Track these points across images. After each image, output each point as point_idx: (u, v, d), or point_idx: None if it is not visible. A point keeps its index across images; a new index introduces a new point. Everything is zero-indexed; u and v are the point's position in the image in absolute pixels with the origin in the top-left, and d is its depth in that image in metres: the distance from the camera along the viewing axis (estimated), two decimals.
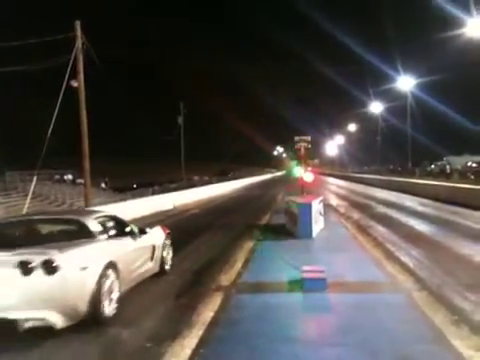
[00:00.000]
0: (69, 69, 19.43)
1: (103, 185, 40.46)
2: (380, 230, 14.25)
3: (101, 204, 19.74)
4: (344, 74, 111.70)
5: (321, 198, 15.08)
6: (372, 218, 17.31)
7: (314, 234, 12.47)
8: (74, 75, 19.98)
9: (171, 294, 7.78)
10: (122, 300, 6.63)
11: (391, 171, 65.70)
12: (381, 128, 69.75)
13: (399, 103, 55.23)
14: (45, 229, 7.13)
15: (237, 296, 7.26)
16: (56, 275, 5.27)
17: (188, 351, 5.14)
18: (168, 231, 9.74)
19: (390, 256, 10.18)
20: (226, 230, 15.50)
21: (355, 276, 8.07)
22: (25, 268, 5.18)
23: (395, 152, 75.26)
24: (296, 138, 15.47)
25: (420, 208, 20.47)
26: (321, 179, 66.02)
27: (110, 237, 6.91)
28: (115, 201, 21.79)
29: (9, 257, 5.34)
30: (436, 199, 22.99)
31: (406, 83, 52.12)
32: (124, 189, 34.65)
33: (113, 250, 6.66)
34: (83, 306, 5.62)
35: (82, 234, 6.46)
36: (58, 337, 5.50)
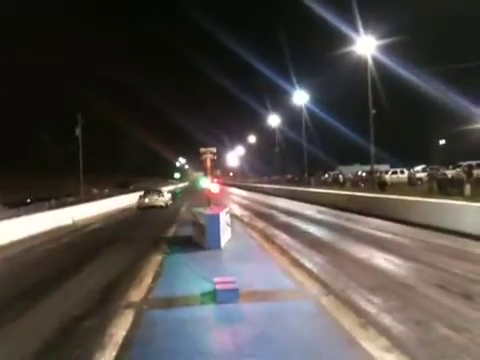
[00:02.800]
0: None
1: None
2: (284, 238, 14.73)
3: None
4: (243, 87, 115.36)
5: (227, 209, 15.26)
6: (276, 227, 17.85)
7: (222, 245, 12.57)
8: None
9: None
10: None
11: (289, 181, 68.59)
12: (279, 140, 72.68)
13: (296, 116, 58.07)
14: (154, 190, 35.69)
15: (149, 312, 7.07)
16: (164, 195, 34.93)
17: None
18: None
19: (296, 263, 10.57)
20: (132, 244, 15.04)
21: (265, 285, 8.26)
22: (160, 192, 35.22)
23: (292, 163, 78.94)
24: (202, 149, 15.50)
25: (319, 216, 21.54)
26: (224, 190, 66.88)
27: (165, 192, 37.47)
28: (9, 217, 20.06)
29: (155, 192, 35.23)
30: (333, 207, 24.33)
31: (300, 98, 55.09)
32: (17, 204, 32.04)
33: (167, 192, 40.30)
34: (169, 202, 34.68)
35: (161, 191, 36.14)
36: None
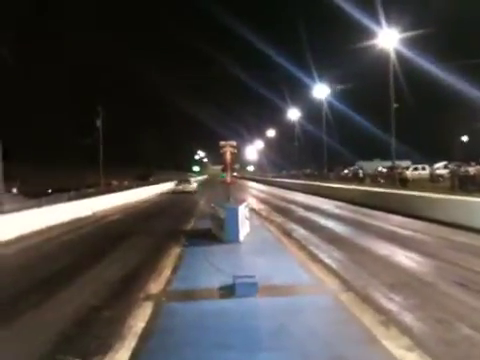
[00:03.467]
0: None
1: (14, 190, 37.77)
2: (303, 233, 14.67)
3: (13, 211, 18.39)
4: (263, 81, 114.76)
5: (246, 203, 15.26)
6: (294, 221, 17.79)
7: (241, 238, 12.57)
8: None
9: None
10: None
11: (307, 175, 68.27)
12: (298, 134, 72.29)
13: (315, 110, 57.65)
14: (185, 180, 50.71)
15: (168, 305, 7.10)
16: (192, 183, 46.91)
17: None
18: None
19: (314, 258, 10.51)
20: (150, 236, 15.13)
21: (284, 279, 8.22)
22: (189, 181, 48.33)
23: (312, 157, 78.50)
24: (222, 143, 15.42)
25: (337, 211, 21.40)
26: (243, 183, 66.93)
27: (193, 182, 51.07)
28: (28, 207, 20.35)
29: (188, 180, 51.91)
30: (351, 202, 24.18)
31: (322, 91, 54.56)
32: (38, 195, 32.42)
33: (195, 181, 56.40)
34: (195, 190, 44.40)
35: (190, 181, 49.97)
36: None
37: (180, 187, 44.31)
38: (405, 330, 5.74)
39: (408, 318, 6.23)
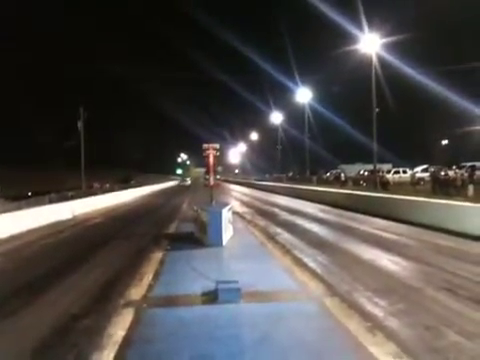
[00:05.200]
0: None
1: None
2: (286, 237, 14.55)
3: None
4: (246, 84, 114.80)
5: (230, 206, 15.07)
6: (278, 225, 17.67)
7: (224, 242, 12.39)
8: None
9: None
10: None
11: (290, 179, 68.38)
12: (281, 137, 72.43)
13: (298, 114, 57.83)
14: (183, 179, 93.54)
15: (149, 311, 6.88)
16: (188, 181, 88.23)
17: None
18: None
19: (298, 263, 10.39)
20: (132, 240, 14.86)
21: (268, 285, 8.07)
22: (186, 180, 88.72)
23: (294, 160, 78.71)
24: (205, 146, 15.27)
25: (321, 214, 21.36)
26: (226, 186, 66.74)
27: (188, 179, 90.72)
28: (9, 210, 19.86)
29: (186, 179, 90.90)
30: (334, 205, 24.19)
31: (304, 95, 54.79)
32: (18, 197, 31.81)
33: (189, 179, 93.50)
34: (190, 184, 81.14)
35: (186, 179, 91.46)
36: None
37: (182, 183, 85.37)
38: (392, 336, 5.63)
39: (394, 324, 6.13)
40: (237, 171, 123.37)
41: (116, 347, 5.52)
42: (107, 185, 59.30)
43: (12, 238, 16.31)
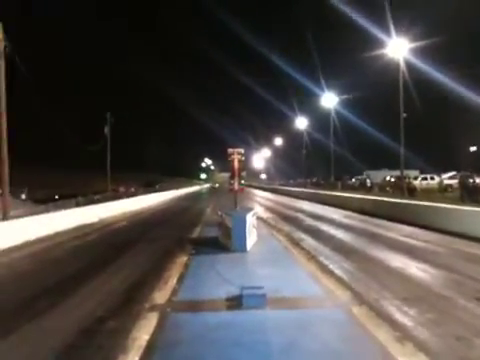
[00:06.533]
0: None
1: (23, 196, 37.86)
2: (311, 243, 14.38)
3: (22, 216, 18.34)
4: (271, 89, 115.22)
5: (254, 211, 15.02)
6: (302, 231, 17.51)
7: (248, 247, 12.33)
8: None
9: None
10: None
11: (314, 184, 67.86)
12: (306, 142, 71.97)
13: (324, 119, 57.36)
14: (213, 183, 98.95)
15: (174, 315, 6.86)
16: (216, 184, 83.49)
17: None
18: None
19: (324, 269, 10.23)
20: (157, 244, 14.93)
21: (293, 291, 7.96)
22: (215, 182, 78.64)
23: (319, 166, 78.12)
24: (229, 150, 15.28)
25: (346, 220, 21.08)
26: (250, 191, 66.65)
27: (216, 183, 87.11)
28: (37, 213, 20.32)
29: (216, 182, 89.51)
30: (360, 211, 23.86)
31: (330, 100, 54.32)
32: (46, 200, 32.48)
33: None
34: (218, 187, 76.89)
35: (215, 183, 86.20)
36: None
37: (212, 186, 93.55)
38: (421, 347, 5.46)
39: (424, 334, 5.94)
40: (263, 176, 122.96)
41: (141, 351, 5.51)
42: (132, 189, 60.01)
43: (40, 239, 16.62)
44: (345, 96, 53.91)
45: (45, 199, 34.81)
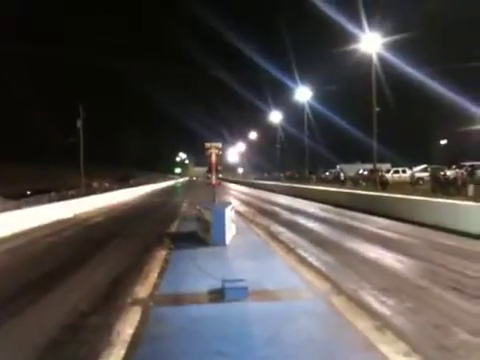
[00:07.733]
0: None
1: None
2: (290, 236, 14.55)
3: None
4: (245, 83, 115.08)
5: (232, 205, 15.07)
6: (280, 224, 17.68)
7: (227, 241, 12.39)
8: None
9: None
10: None
11: (288, 178, 68.36)
12: (280, 137, 72.32)
13: (298, 113, 57.71)
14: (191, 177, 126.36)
15: (157, 309, 6.87)
16: (195, 178, 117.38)
17: None
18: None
19: (303, 261, 10.39)
20: (134, 239, 14.84)
21: (274, 283, 8.05)
22: (193, 176, 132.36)
23: (294, 160, 78.58)
24: (207, 144, 15.19)
25: (322, 214, 21.37)
26: (225, 185, 66.70)
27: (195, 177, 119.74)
28: (9, 209, 19.86)
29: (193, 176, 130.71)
30: (335, 205, 24.21)
31: (303, 94, 54.70)
32: (17, 196, 31.73)
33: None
34: (196, 179, 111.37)
35: (194, 176, 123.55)
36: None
37: (192, 178, 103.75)
38: (401, 335, 5.63)
39: (403, 323, 6.13)
40: (240, 170, 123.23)
41: (126, 345, 5.51)
42: (106, 184, 59.17)
43: (15, 236, 16.30)
44: (326, 88, 54.47)
45: (16, 195, 33.97)
